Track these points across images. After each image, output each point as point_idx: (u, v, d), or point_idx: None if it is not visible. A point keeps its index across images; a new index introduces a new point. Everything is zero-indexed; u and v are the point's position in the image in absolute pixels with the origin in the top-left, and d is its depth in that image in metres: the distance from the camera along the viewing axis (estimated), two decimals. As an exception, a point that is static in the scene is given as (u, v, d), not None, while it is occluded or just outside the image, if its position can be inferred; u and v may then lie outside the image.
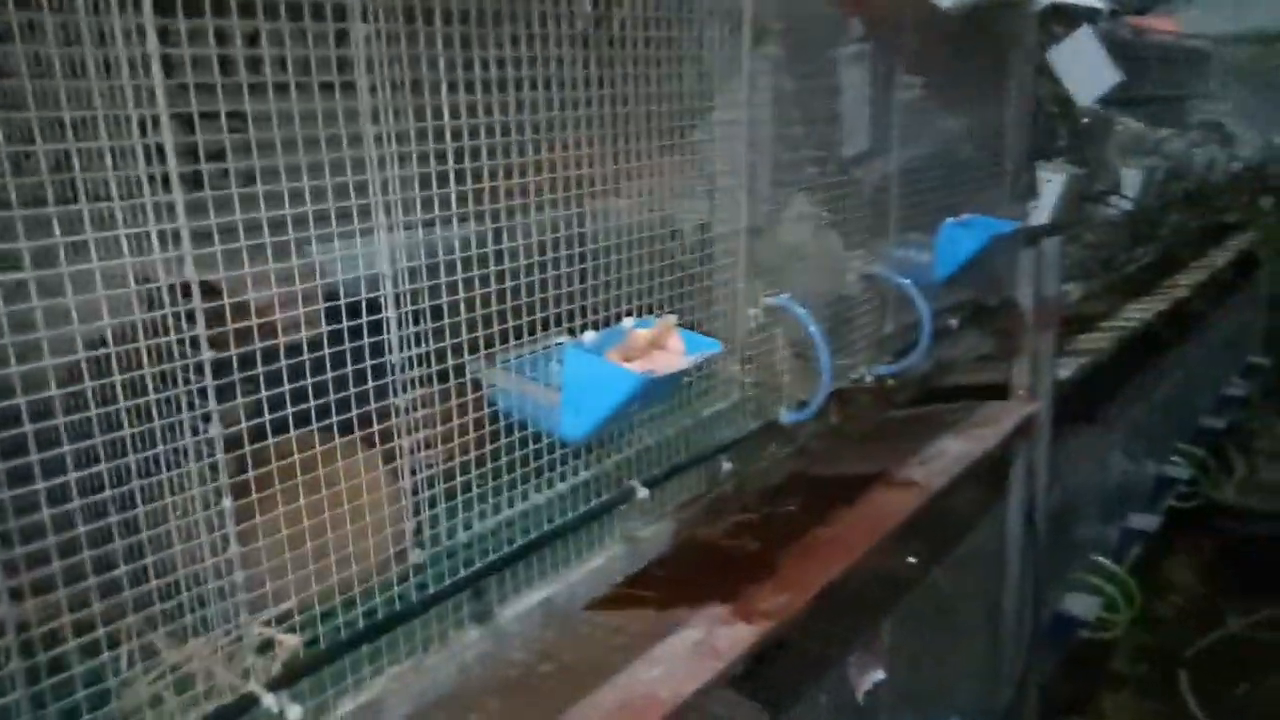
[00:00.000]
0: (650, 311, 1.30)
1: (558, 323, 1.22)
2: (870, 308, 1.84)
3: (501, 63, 1.03)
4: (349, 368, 0.98)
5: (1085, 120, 2.97)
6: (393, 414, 1.06)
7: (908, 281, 1.79)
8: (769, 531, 1.83)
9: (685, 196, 1.37)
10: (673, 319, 1.21)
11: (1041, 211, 2.60)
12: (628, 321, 1.22)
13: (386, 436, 1.07)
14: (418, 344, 1.04)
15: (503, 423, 1.17)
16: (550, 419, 1.18)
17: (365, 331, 1.00)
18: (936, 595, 2.32)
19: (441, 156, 1.01)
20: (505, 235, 1.09)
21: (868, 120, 1.69)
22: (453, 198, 1.01)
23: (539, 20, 1.05)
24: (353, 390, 0.97)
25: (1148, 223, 3.54)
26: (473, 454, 1.13)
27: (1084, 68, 2.53)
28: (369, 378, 0.99)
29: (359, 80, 0.92)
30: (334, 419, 0.96)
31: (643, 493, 1.29)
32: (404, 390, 1.05)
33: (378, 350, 1.02)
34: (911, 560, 2.16)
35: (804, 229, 1.63)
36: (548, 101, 1.10)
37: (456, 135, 1.01)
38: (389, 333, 1.02)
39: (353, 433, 1.00)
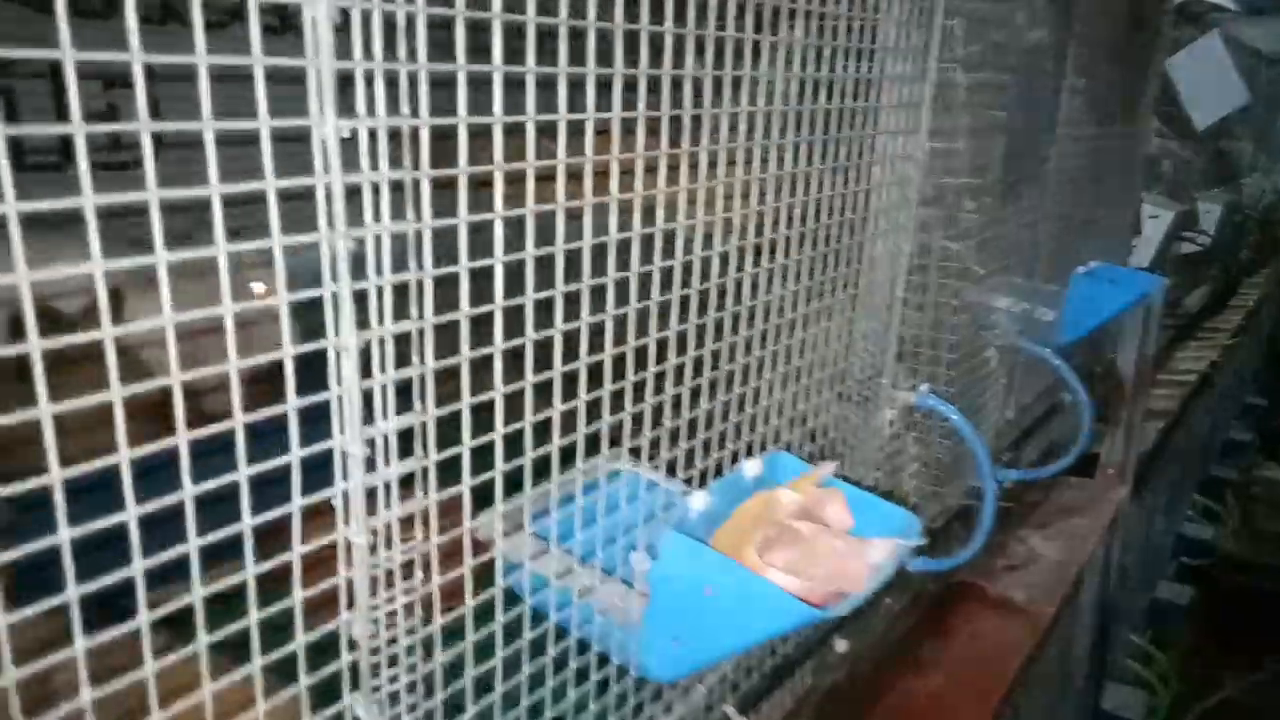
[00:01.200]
0: (772, 438, 0.79)
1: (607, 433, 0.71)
2: (999, 388, 1.36)
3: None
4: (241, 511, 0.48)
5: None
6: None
7: (1059, 362, 1.31)
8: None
9: (821, 240, 0.87)
10: (830, 469, 0.71)
11: (1143, 252, 2.15)
12: (749, 467, 0.71)
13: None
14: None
15: (527, 626, 0.66)
16: (620, 639, 0.67)
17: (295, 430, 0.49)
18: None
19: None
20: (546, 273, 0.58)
21: (1039, 134, 1.20)
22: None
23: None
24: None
25: (1218, 262, 3.13)
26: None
27: (1208, 83, 2.08)
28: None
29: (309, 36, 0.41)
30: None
31: (744, 728, 0.80)
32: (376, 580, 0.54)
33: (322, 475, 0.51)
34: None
35: (948, 287, 1.14)
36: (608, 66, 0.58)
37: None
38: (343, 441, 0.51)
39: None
